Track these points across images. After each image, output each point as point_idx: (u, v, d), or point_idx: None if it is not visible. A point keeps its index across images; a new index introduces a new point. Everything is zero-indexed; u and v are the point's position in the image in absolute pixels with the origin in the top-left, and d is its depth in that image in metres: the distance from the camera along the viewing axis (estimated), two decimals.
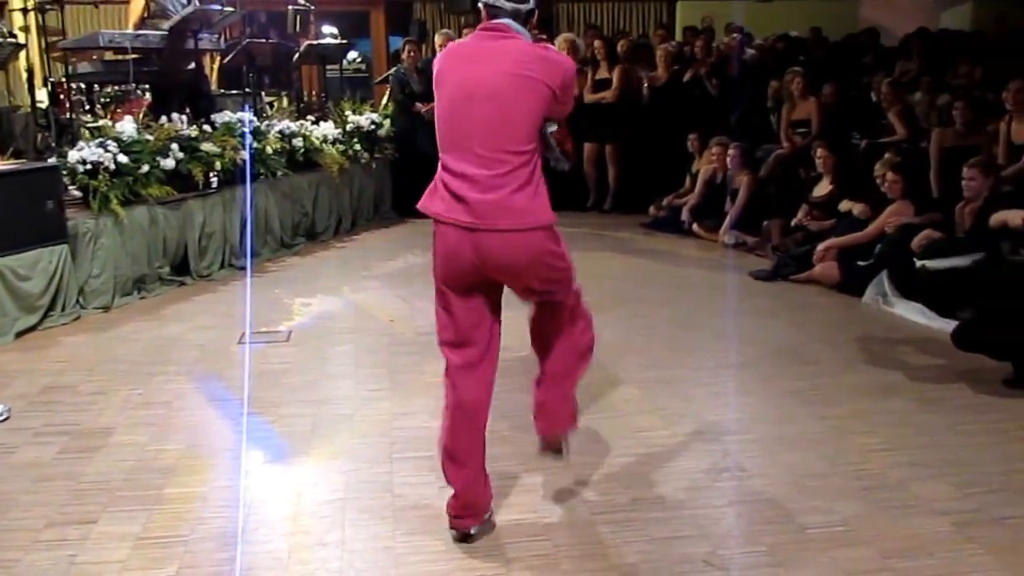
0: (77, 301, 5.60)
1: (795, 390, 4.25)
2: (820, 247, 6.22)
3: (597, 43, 9.15)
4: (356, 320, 5.55)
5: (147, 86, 7.60)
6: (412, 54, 9.12)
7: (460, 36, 9.87)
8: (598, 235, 8.16)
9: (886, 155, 6.16)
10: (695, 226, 7.92)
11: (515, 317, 5.60)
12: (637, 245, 7.76)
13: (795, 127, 7.87)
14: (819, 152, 6.77)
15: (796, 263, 6.38)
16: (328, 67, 9.90)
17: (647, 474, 3.42)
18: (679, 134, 8.52)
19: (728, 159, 7.67)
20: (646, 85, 8.98)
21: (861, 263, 5.92)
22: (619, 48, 9.33)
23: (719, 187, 7.86)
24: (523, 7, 2.84)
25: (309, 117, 8.39)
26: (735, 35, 9.63)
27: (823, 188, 6.78)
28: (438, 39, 9.32)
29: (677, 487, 3.32)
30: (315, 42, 9.45)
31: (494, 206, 2.76)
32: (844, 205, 6.43)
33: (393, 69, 9.50)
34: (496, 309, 2.99)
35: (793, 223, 6.87)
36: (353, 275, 6.71)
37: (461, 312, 2.91)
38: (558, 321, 3.12)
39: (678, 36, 10.90)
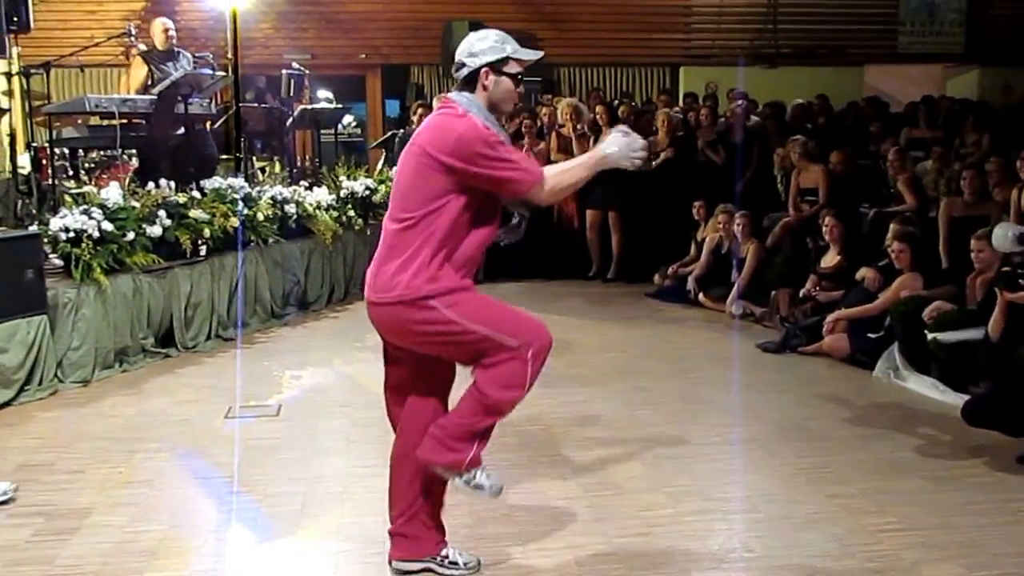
0: (55, 375, 5.63)
1: (804, 467, 4.31)
2: (829, 319, 6.32)
3: (599, 108, 9.41)
4: (348, 393, 5.61)
5: (134, 151, 7.78)
6: (423, 118, 9.30)
7: None
8: (601, 306, 8.28)
9: (893, 225, 6.30)
10: (701, 296, 8.04)
11: None
12: (641, 316, 7.86)
13: (803, 195, 8.04)
14: (827, 221, 6.92)
15: (805, 335, 6.48)
16: (323, 131, 10.14)
17: (652, 555, 3.46)
18: (684, 201, 8.72)
19: (735, 227, 7.83)
20: (659, 158, 9.16)
21: (871, 335, 6.02)
22: (621, 113, 9.59)
23: (725, 256, 8.01)
24: (459, 74, 3.09)
25: (302, 183, 8.57)
26: (739, 102, 9.91)
27: (831, 258, 6.91)
28: (436, 104, 9.56)
29: (683, 569, 3.36)
30: (309, 106, 9.70)
31: (372, 276, 3.08)
32: (861, 273, 6.52)
33: (400, 131, 9.71)
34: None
35: (801, 293, 6.97)
36: (346, 346, 6.78)
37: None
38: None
39: (681, 102, 11.20)
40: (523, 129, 9.53)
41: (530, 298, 8.58)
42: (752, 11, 13.14)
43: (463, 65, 3.07)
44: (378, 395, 5.44)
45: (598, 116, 9.29)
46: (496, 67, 3.06)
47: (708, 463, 4.41)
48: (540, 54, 3.23)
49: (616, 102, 10.77)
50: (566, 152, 9.32)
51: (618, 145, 3.08)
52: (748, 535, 3.61)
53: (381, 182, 9.22)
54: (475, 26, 11.83)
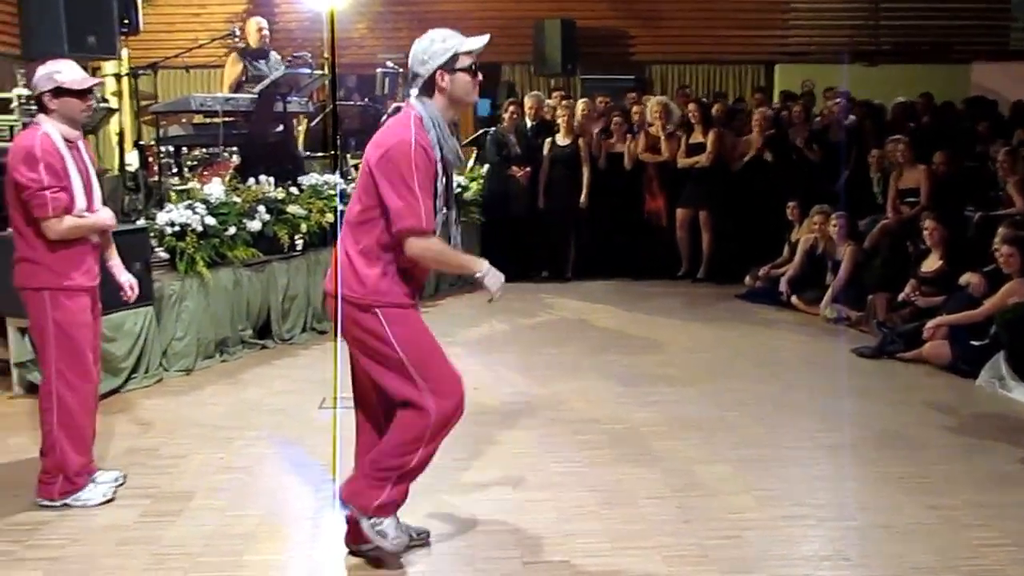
0: (160, 364, 5.88)
1: (901, 476, 4.20)
2: (930, 324, 6.14)
3: (691, 106, 9.33)
4: None
5: (235, 148, 8.03)
6: (514, 116, 9.43)
7: (549, 98, 10.22)
8: (690, 306, 8.21)
9: (1002, 228, 6.09)
10: (794, 298, 7.91)
11: (598, 388, 5.66)
12: (731, 317, 7.77)
13: (903, 196, 7.83)
14: (927, 224, 6.72)
15: (903, 340, 6.31)
16: None
17: (742, 558, 3.43)
18: (777, 201, 8.58)
19: (831, 229, 7.69)
20: (750, 155, 9.02)
21: (975, 343, 5.83)
22: (714, 112, 9.49)
23: (820, 258, 7.86)
24: (416, 83, 3.16)
25: None
26: (837, 100, 9.69)
27: (933, 263, 6.71)
28: (528, 102, 9.63)
29: (775, 574, 3.32)
30: (403, 104, 9.84)
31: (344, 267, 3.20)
32: (966, 278, 6.31)
33: (491, 129, 9.81)
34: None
35: (900, 298, 6.80)
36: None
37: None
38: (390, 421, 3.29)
39: (776, 100, 11.01)
40: (612, 127, 9.51)
41: (618, 297, 8.57)
42: (853, 6, 12.81)
43: (417, 75, 3.14)
44: (468, 389, 5.57)
45: (690, 114, 9.21)
46: (448, 67, 3.12)
47: (800, 468, 4.34)
48: (486, 38, 3.20)
49: (708, 99, 10.67)
50: (654, 151, 9.28)
51: (493, 278, 3.19)
52: (843, 542, 3.54)
53: (472, 179, 9.32)
54: (567, 24, 11.96)
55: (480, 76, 3.22)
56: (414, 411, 3.17)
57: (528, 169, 9.21)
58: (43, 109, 3.87)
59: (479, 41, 3.17)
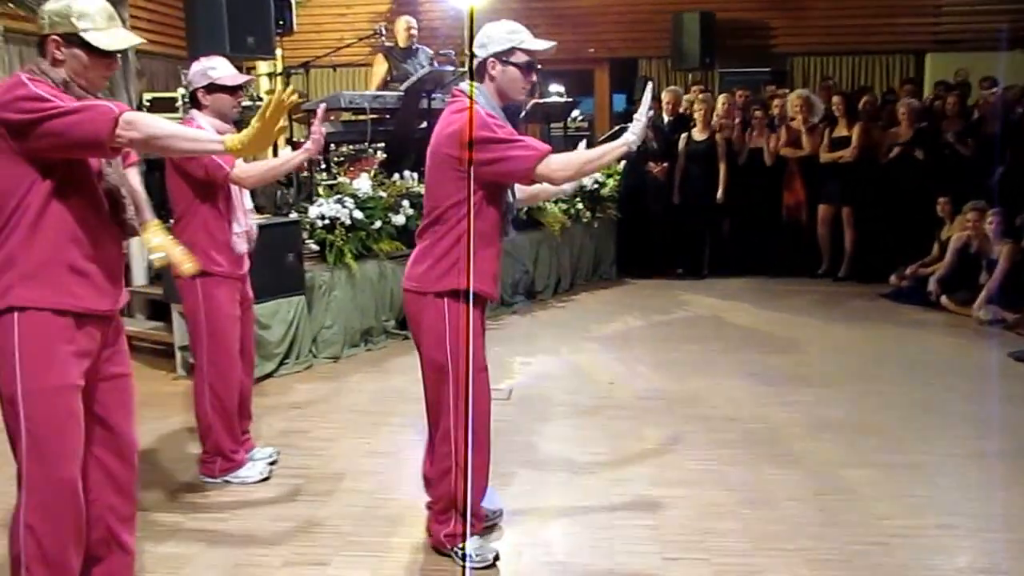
0: (310, 350, 6.15)
1: None
2: None
3: (836, 99, 9.03)
4: (575, 381, 5.74)
5: (382, 145, 8.28)
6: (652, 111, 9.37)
7: (687, 93, 10.07)
8: (831, 305, 7.97)
9: None
10: (944, 299, 7.58)
11: (735, 386, 5.58)
12: (875, 317, 7.50)
13: None
14: None
15: None
16: (552, 125, 10.34)
17: (890, 566, 3.33)
18: (925, 197, 8.22)
19: (986, 226, 7.32)
20: (896, 149, 8.65)
21: None
22: (860, 105, 9.16)
23: (973, 257, 7.49)
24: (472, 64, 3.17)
25: None
26: (994, 90, 9.18)
27: None
28: (665, 96, 9.54)
29: None
30: (541, 100, 9.93)
31: (411, 261, 3.28)
32: None
33: (627, 125, 9.75)
34: None
35: None
36: (573, 335, 6.93)
37: None
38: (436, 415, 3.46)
39: (927, 91, 10.51)
40: (752, 121, 9.31)
41: (755, 295, 8.40)
42: None
43: (474, 56, 3.16)
44: (603, 384, 5.61)
45: (834, 107, 8.92)
46: (502, 57, 3.14)
47: (951, 476, 4.16)
48: (550, 44, 3.21)
49: (855, 91, 10.28)
50: (795, 146, 9.03)
51: (636, 130, 3.24)
52: (999, 556, 3.38)
53: (609, 176, 9.30)
54: (705, 17, 11.75)
55: (534, 77, 3.23)
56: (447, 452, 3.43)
57: (665, 164, 9.13)
58: (196, 105, 4.04)
59: (541, 44, 3.20)
